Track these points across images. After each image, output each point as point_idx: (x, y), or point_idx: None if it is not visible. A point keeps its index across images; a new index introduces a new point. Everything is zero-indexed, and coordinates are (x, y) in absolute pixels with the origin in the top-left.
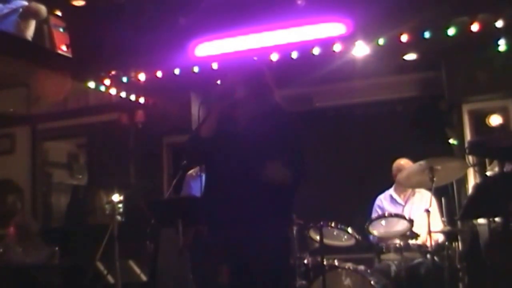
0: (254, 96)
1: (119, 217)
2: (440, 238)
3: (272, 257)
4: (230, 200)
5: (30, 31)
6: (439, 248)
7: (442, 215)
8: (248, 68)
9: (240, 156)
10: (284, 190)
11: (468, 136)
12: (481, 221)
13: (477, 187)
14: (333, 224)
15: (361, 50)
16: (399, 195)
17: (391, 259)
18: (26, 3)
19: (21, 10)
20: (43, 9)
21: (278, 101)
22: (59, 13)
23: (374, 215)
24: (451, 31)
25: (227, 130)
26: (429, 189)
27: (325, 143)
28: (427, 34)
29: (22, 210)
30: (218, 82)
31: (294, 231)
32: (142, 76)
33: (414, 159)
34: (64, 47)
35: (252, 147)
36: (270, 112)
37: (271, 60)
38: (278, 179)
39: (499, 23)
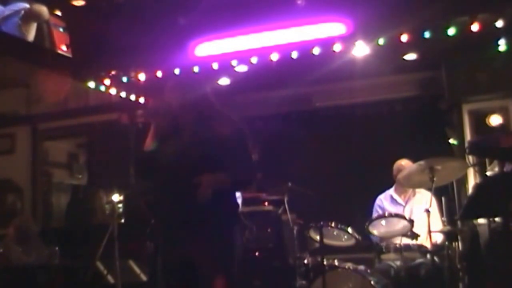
0: (192, 107)
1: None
2: (440, 238)
3: (220, 258)
4: (174, 210)
5: (31, 33)
6: (439, 248)
7: (442, 215)
8: (185, 79)
9: (180, 166)
10: (226, 196)
11: (468, 136)
12: (481, 221)
13: (477, 187)
14: (333, 224)
15: (361, 50)
16: (399, 195)
17: (391, 259)
18: (27, 5)
19: (22, 12)
20: (45, 11)
21: (217, 108)
22: (59, 13)
23: (374, 215)
24: (451, 31)
25: (167, 141)
26: (429, 189)
27: (325, 143)
28: (427, 34)
29: (22, 210)
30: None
31: (295, 231)
32: (142, 76)
33: (414, 159)
34: (64, 47)
35: (191, 156)
36: (208, 120)
37: (271, 60)
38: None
39: (499, 23)
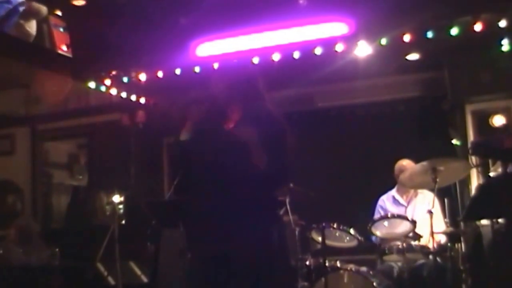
0: (241, 100)
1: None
2: (443, 239)
3: (255, 257)
4: (211, 202)
5: (32, 31)
6: (442, 249)
7: (445, 216)
8: (239, 72)
9: (220, 157)
10: (264, 192)
11: (471, 136)
12: (484, 222)
13: (480, 188)
14: (335, 225)
15: (363, 50)
16: (402, 196)
17: (394, 261)
18: (24, 1)
19: (21, 10)
20: (43, 8)
21: (268, 107)
22: (59, 12)
23: (376, 216)
24: (454, 31)
25: (207, 132)
26: (432, 190)
27: (327, 144)
28: (430, 34)
29: (22, 211)
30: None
31: (296, 232)
32: (143, 76)
33: (417, 160)
34: (64, 47)
35: (232, 149)
36: (256, 116)
37: (273, 60)
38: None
39: (503, 23)
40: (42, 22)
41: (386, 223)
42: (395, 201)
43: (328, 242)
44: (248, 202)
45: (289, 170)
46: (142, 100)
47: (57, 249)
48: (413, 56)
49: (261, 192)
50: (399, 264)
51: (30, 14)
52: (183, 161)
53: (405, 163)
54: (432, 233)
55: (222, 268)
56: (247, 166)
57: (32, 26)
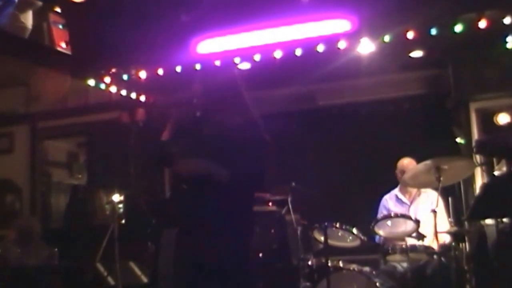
0: (220, 105)
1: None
2: (447, 239)
3: (231, 259)
4: (192, 203)
5: (29, 22)
6: (446, 249)
7: (449, 216)
8: (221, 77)
9: (211, 154)
10: (240, 194)
11: (475, 135)
12: (489, 221)
13: (484, 187)
14: (337, 225)
15: (366, 47)
16: (405, 195)
17: (397, 260)
18: None
19: (16, 1)
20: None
21: (247, 112)
22: (58, 9)
23: (379, 215)
24: (458, 28)
25: (188, 134)
26: (436, 189)
27: (329, 142)
28: (433, 31)
29: (21, 211)
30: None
31: (298, 232)
32: (143, 74)
33: (420, 158)
34: (63, 44)
35: (211, 152)
36: (234, 122)
37: (275, 58)
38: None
39: (507, 20)
40: (41, 19)
41: (389, 222)
42: (398, 200)
43: (330, 241)
44: (222, 207)
45: (265, 176)
46: (142, 98)
47: (56, 249)
48: (417, 54)
49: (235, 197)
50: (403, 264)
51: (25, 5)
52: (163, 161)
53: (406, 162)
54: (436, 233)
55: (196, 271)
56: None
57: (27, 18)
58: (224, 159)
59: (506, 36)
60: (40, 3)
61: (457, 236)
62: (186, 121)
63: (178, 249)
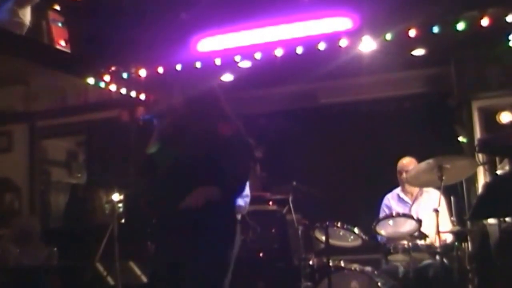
0: (196, 104)
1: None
2: (449, 238)
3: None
4: (170, 213)
5: (27, 17)
6: (448, 248)
7: (451, 215)
8: (201, 84)
9: (179, 168)
10: (222, 207)
11: (478, 133)
12: (492, 221)
13: (487, 186)
14: (339, 224)
15: (368, 45)
16: (407, 194)
17: (399, 260)
18: None
19: None
20: None
21: (221, 106)
22: (57, 7)
23: (381, 215)
24: (461, 26)
25: (169, 141)
26: (438, 188)
27: (330, 141)
28: (435, 29)
29: (20, 210)
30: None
31: (299, 231)
32: (143, 72)
33: (422, 157)
34: (62, 42)
35: (191, 157)
36: (210, 119)
37: (276, 56)
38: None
39: (510, 18)
40: (40, 17)
41: (391, 222)
42: (400, 199)
43: (332, 241)
44: (206, 213)
45: (243, 183)
46: (142, 97)
47: (55, 249)
48: (419, 52)
49: (219, 206)
50: (405, 264)
51: (24, 1)
52: (149, 172)
53: (406, 161)
54: (438, 232)
55: (174, 275)
56: (203, 179)
57: (26, 14)
58: (208, 165)
59: (509, 34)
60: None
61: (459, 236)
62: (168, 130)
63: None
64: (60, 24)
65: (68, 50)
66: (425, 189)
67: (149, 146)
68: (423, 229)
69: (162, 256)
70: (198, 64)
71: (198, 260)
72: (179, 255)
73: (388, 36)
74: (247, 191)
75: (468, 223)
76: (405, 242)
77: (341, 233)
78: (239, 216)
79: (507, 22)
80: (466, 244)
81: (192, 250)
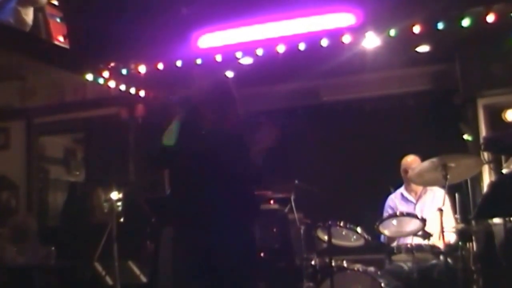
0: (217, 105)
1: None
2: (454, 238)
3: (237, 254)
4: (195, 201)
5: (30, 18)
6: (452, 248)
7: (455, 213)
8: (214, 78)
9: (202, 159)
10: (243, 190)
11: (483, 131)
12: (497, 220)
13: (492, 185)
14: (341, 224)
15: (371, 41)
16: (410, 193)
17: (403, 260)
18: None
19: None
20: None
21: (239, 112)
22: (55, 2)
23: (385, 214)
24: (466, 22)
25: (190, 136)
26: (442, 187)
27: (333, 139)
28: (440, 25)
29: (17, 208)
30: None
31: (302, 231)
32: (142, 68)
33: (427, 156)
34: (61, 38)
35: (213, 151)
36: (231, 121)
37: (278, 52)
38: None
39: None
40: (37, 11)
41: (394, 221)
42: (404, 198)
43: (334, 241)
44: (226, 200)
45: (262, 172)
46: (142, 93)
47: (52, 248)
48: (423, 48)
49: (238, 191)
50: (408, 264)
51: (27, 1)
52: (165, 164)
53: (410, 160)
54: (442, 232)
55: (204, 262)
56: (226, 166)
57: (29, 14)
58: (222, 156)
59: None
60: (44, 2)
61: (464, 236)
62: (186, 119)
63: (177, 247)
64: (58, 19)
65: (66, 46)
66: (429, 187)
67: (168, 134)
68: (427, 229)
69: (187, 246)
70: (199, 61)
71: (226, 244)
72: (206, 241)
73: (392, 32)
74: None
75: (473, 222)
76: (408, 241)
77: (343, 233)
78: None
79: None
80: (470, 244)
81: (218, 234)
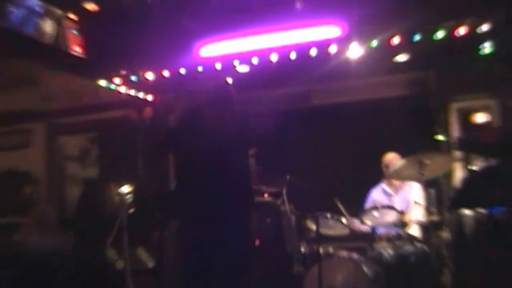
0: (218, 101)
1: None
2: (429, 227)
3: (235, 243)
4: (197, 195)
5: (49, 32)
6: (427, 237)
7: (430, 206)
8: (215, 79)
9: (203, 155)
10: (241, 184)
11: (455, 132)
12: (467, 212)
13: (463, 180)
14: (328, 215)
15: (355, 51)
16: (390, 187)
17: (383, 247)
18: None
19: (40, 12)
20: (59, 11)
21: (237, 108)
22: (73, 16)
23: (367, 206)
24: (439, 35)
25: (193, 126)
26: (419, 182)
27: (321, 139)
28: (417, 37)
29: (38, 201)
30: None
31: (292, 221)
32: (150, 75)
33: (405, 154)
34: (77, 48)
35: (213, 148)
36: (230, 115)
37: (271, 61)
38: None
39: (484, 28)
40: (57, 25)
41: (375, 213)
42: (384, 192)
43: (322, 230)
44: (225, 194)
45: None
46: (149, 98)
47: (70, 236)
48: (401, 58)
49: (236, 185)
50: (388, 250)
51: (47, 15)
52: (168, 147)
53: (390, 157)
54: (418, 222)
55: (205, 249)
56: (224, 161)
57: (49, 27)
58: (221, 152)
59: (483, 42)
60: (60, 13)
61: (437, 225)
62: (189, 113)
63: (181, 236)
64: (75, 32)
65: (82, 56)
66: (407, 182)
67: (173, 121)
68: (405, 219)
69: (192, 232)
70: (200, 69)
71: (226, 242)
72: (208, 240)
73: (374, 43)
74: None
75: (446, 214)
76: (388, 231)
77: (330, 223)
78: None
79: (480, 32)
80: (443, 233)
81: (220, 233)
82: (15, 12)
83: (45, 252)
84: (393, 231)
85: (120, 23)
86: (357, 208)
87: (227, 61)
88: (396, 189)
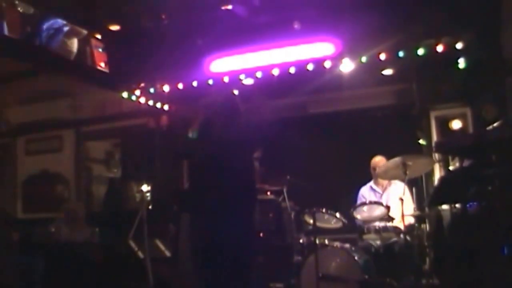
0: (227, 112)
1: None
2: (412, 221)
3: (241, 235)
4: (208, 193)
5: (73, 49)
6: (410, 229)
7: (413, 202)
8: (225, 92)
9: (214, 158)
10: (248, 180)
11: (434, 137)
12: (445, 207)
13: (441, 179)
14: (324, 210)
15: (347, 66)
16: (378, 186)
17: (372, 239)
18: (64, 22)
19: (65, 30)
20: (83, 30)
21: (243, 117)
22: (99, 36)
23: (357, 202)
24: (421, 51)
25: (207, 135)
26: (403, 181)
27: (317, 144)
28: (401, 54)
29: (69, 198)
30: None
31: (292, 216)
32: (166, 88)
33: (391, 156)
34: (102, 64)
35: (223, 152)
36: (237, 123)
37: (273, 74)
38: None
39: (459, 45)
40: (84, 44)
41: (365, 208)
42: (372, 190)
43: (318, 224)
44: (232, 192)
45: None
46: (166, 107)
47: (97, 229)
48: (388, 71)
49: (242, 185)
50: (376, 241)
51: (72, 34)
52: (188, 155)
53: (378, 159)
54: (402, 216)
55: (214, 241)
56: (233, 164)
57: (73, 44)
58: (230, 156)
59: (459, 58)
60: (84, 32)
61: (419, 219)
62: (203, 124)
63: (193, 229)
64: (100, 50)
65: (106, 70)
66: (392, 181)
67: (190, 131)
68: (391, 214)
69: (204, 230)
70: (210, 81)
71: (231, 233)
72: (215, 231)
73: (363, 59)
74: None
75: (426, 208)
76: (376, 224)
77: (325, 217)
78: None
79: (457, 49)
80: (424, 225)
81: (226, 225)
82: (45, 31)
83: (75, 242)
84: (380, 224)
85: (140, 42)
86: (349, 204)
87: (234, 75)
88: (383, 188)
